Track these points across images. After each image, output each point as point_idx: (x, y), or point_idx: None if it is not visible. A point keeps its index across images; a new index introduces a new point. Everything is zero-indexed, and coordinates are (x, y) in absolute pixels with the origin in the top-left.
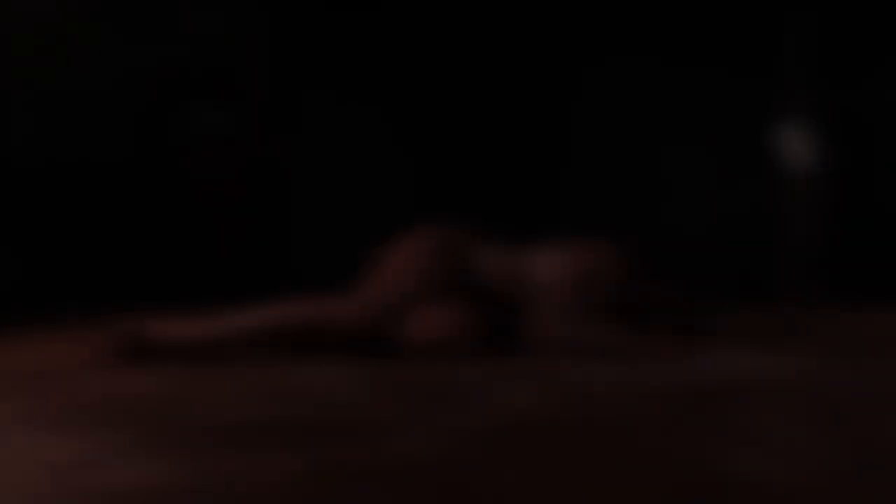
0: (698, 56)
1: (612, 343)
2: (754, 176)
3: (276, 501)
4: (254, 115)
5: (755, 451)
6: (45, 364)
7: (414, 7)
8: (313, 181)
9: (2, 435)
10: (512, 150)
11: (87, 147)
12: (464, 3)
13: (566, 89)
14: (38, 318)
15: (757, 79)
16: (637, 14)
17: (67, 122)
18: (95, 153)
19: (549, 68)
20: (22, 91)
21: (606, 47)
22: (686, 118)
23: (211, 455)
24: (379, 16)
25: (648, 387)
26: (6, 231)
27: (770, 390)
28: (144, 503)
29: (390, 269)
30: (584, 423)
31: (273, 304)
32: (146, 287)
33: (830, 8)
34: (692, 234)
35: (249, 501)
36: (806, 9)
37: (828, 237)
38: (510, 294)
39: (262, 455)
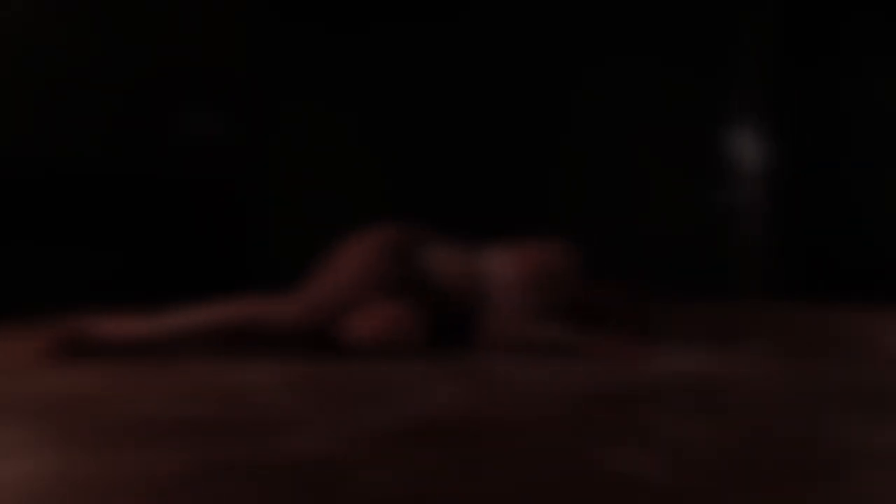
0: (657, 55)
1: (564, 342)
2: (710, 175)
3: (158, 496)
4: (226, 117)
5: (644, 450)
6: None
7: (400, 8)
8: (286, 180)
9: None
10: (478, 152)
11: (51, 145)
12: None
13: (536, 89)
14: None
15: (711, 77)
16: (609, 15)
17: (35, 120)
18: (61, 152)
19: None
20: None
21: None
22: (642, 118)
23: (110, 450)
24: (363, 13)
25: (578, 387)
26: None
27: (697, 390)
28: (27, 492)
29: (336, 268)
30: (494, 423)
31: (215, 303)
32: (102, 286)
33: (786, 7)
34: (652, 233)
35: (136, 495)
36: (762, 8)
37: (781, 236)
38: (462, 293)
39: (158, 452)
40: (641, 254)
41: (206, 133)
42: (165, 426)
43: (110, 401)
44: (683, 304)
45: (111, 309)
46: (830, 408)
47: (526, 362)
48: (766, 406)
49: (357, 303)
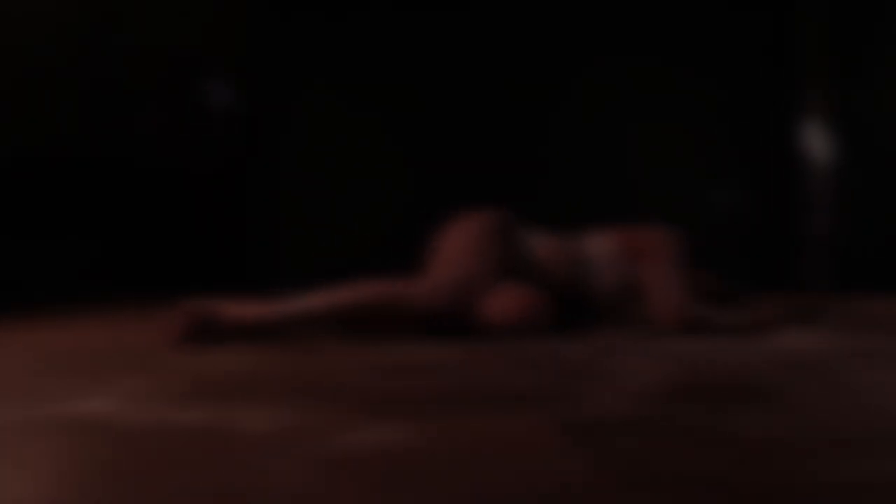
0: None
1: (728, 322)
2: (772, 170)
3: (504, 461)
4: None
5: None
6: (130, 345)
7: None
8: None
9: (223, 409)
10: (496, 145)
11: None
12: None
13: (557, 86)
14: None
15: (775, 77)
16: (634, 14)
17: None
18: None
19: (541, 65)
20: None
21: (600, 47)
22: (706, 113)
23: (425, 420)
24: (364, 11)
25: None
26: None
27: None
28: (392, 463)
29: (451, 251)
30: (743, 385)
31: (339, 287)
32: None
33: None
34: (708, 226)
35: (481, 461)
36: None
37: (841, 229)
38: (565, 275)
39: (489, 418)
40: (703, 246)
41: (200, 119)
42: (461, 397)
43: (339, 378)
44: (754, 295)
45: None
46: None
47: (686, 339)
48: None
49: (485, 285)
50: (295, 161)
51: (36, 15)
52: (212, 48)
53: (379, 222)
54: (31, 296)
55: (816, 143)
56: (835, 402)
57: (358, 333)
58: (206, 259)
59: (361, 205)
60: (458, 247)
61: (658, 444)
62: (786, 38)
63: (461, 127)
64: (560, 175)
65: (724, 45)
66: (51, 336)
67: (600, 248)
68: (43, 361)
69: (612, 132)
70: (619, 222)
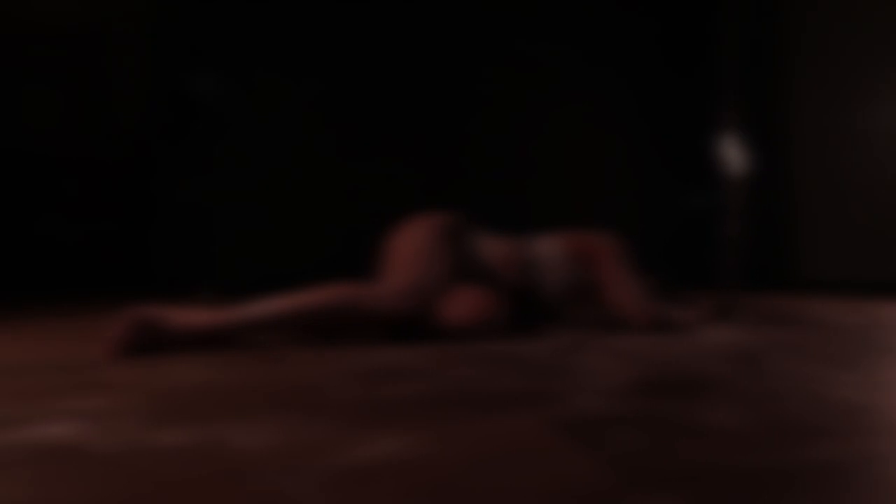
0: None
1: (678, 318)
2: (693, 178)
3: (513, 463)
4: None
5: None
6: (67, 358)
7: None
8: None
9: (205, 427)
10: (423, 152)
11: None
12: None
13: (492, 96)
14: None
15: (696, 93)
16: (568, 33)
17: None
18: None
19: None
20: None
21: (531, 61)
22: (629, 124)
23: (422, 427)
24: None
25: (708, 349)
26: None
27: (747, 354)
28: (404, 474)
29: (406, 254)
30: (694, 377)
31: (297, 292)
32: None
33: (761, 30)
34: (637, 230)
35: (495, 464)
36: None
37: (751, 233)
38: (514, 277)
39: (485, 421)
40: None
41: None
42: (442, 402)
43: (318, 386)
44: (686, 292)
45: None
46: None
47: (634, 336)
48: (797, 363)
49: (442, 288)
50: (210, 154)
51: None
52: (117, 25)
53: (299, 222)
54: None
55: (731, 153)
56: (775, 391)
57: (318, 338)
58: (111, 257)
59: (282, 202)
60: (412, 249)
61: (651, 438)
62: (707, 59)
63: (387, 127)
64: (492, 182)
65: (653, 65)
66: None
67: (549, 251)
68: None
69: (543, 143)
70: (555, 227)
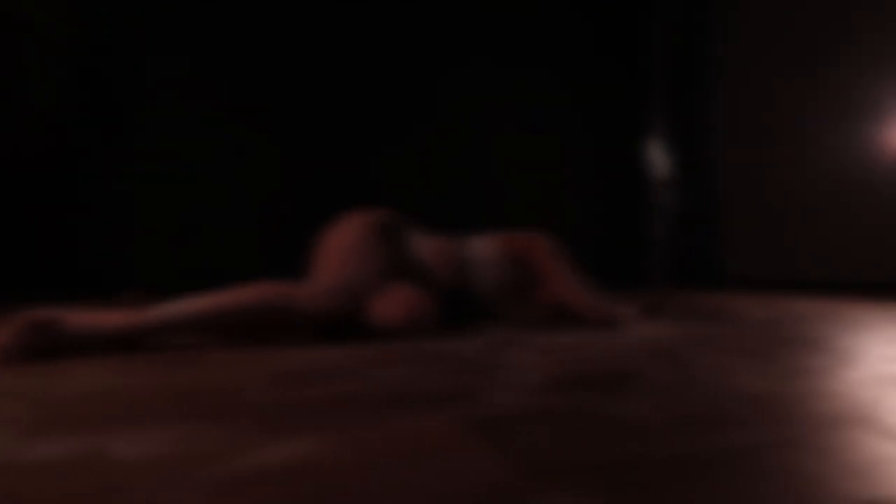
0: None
1: (624, 314)
2: (620, 181)
3: (417, 465)
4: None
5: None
6: None
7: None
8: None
9: (91, 436)
10: (362, 151)
11: None
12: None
13: (430, 98)
14: None
15: (626, 98)
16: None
17: None
18: None
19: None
20: None
21: (458, 57)
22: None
23: (332, 429)
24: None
25: (632, 344)
26: None
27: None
28: (302, 480)
29: (338, 252)
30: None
31: (218, 293)
32: None
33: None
34: (566, 230)
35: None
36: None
37: (677, 234)
38: (448, 276)
39: (397, 422)
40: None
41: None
42: (363, 401)
43: (237, 389)
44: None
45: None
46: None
47: (562, 332)
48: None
49: (373, 286)
50: (136, 150)
51: None
52: (41, 12)
53: (230, 219)
54: None
55: (657, 156)
56: (689, 383)
57: (241, 341)
58: (32, 259)
59: (213, 199)
60: (344, 247)
61: (562, 433)
62: (638, 63)
63: (324, 127)
64: (427, 182)
65: (583, 70)
66: None
67: (483, 250)
68: None
69: (480, 144)
70: (488, 228)
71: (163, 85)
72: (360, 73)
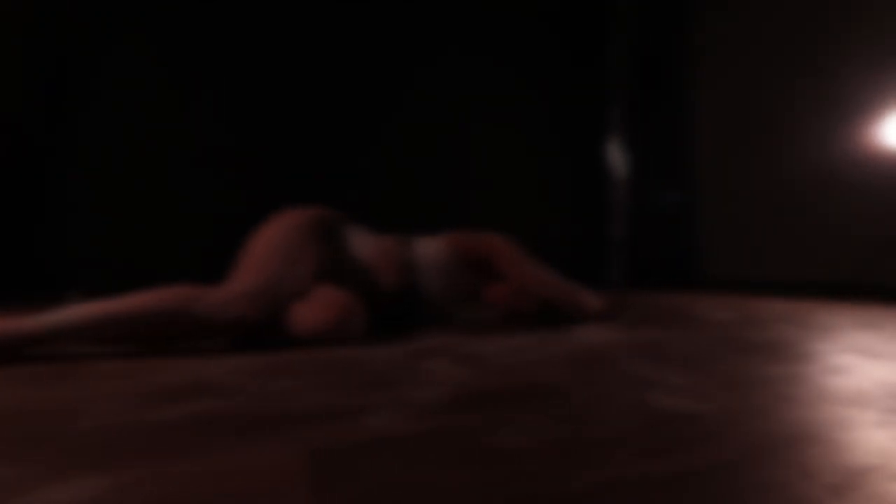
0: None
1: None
2: (582, 182)
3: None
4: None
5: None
6: None
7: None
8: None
9: None
10: (327, 149)
11: None
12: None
13: (395, 93)
14: None
15: (588, 99)
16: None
17: None
18: None
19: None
20: None
21: (437, 48)
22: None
23: (141, 464)
24: None
25: (568, 350)
26: None
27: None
28: None
29: (260, 253)
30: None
31: (124, 297)
32: None
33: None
34: (527, 231)
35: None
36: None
37: (636, 234)
38: (401, 277)
39: (254, 447)
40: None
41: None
42: (218, 425)
43: (85, 409)
44: None
45: None
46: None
47: (498, 338)
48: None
49: (293, 290)
50: (96, 146)
51: None
52: None
53: (178, 218)
54: None
55: (617, 158)
56: (601, 399)
57: (144, 349)
58: None
59: (161, 197)
60: (271, 246)
61: (422, 466)
62: (598, 67)
63: (290, 127)
64: (391, 181)
65: (547, 72)
66: None
67: (432, 251)
68: None
69: (445, 143)
70: (443, 227)
71: (117, 79)
72: (326, 66)
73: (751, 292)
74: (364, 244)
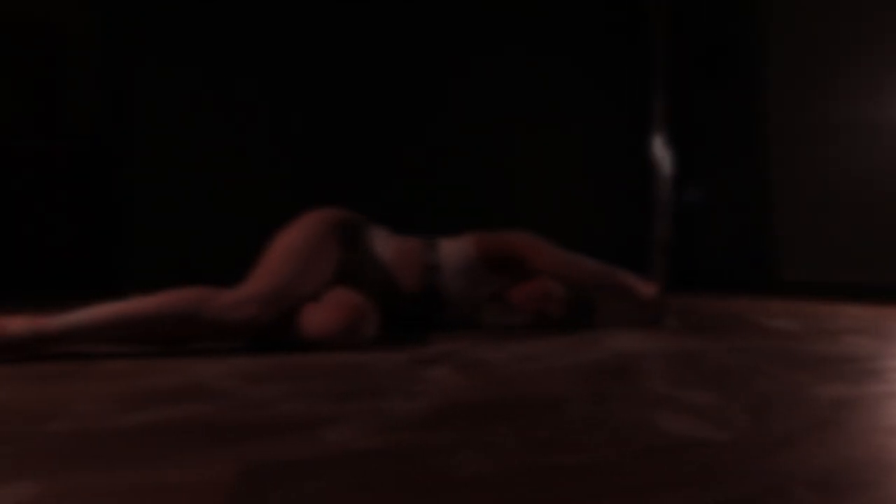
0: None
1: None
2: (626, 179)
3: None
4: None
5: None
6: None
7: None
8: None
9: None
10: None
11: None
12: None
13: (435, 94)
14: None
15: (634, 91)
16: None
17: None
18: None
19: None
20: None
21: (470, 62)
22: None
23: (124, 466)
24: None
25: (589, 360)
26: None
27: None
28: None
29: (278, 254)
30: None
31: (140, 298)
32: None
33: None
34: (569, 229)
35: None
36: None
37: (680, 235)
38: (423, 279)
39: (192, 460)
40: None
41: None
42: (178, 433)
43: (64, 410)
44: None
45: None
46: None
47: (514, 344)
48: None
49: (304, 293)
50: (158, 153)
51: None
52: (71, 21)
53: (251, 220)
54: None
55: (660, 154)
56: (596, 421)
57: (157, 349)
58: (68, 253)
59: (231, 201)
60: (289, 247)
61: (343, 486)
62: (643, 59)
63: (340, 128)
64: (437, 180)
65: (590, 66)
66: None
67: (455, 252)
68: None
69: (482, 143)
70: (480, 227)
71: (178, 93)
72: (374, 63)
73: (827, 298)
74: (385, 246)
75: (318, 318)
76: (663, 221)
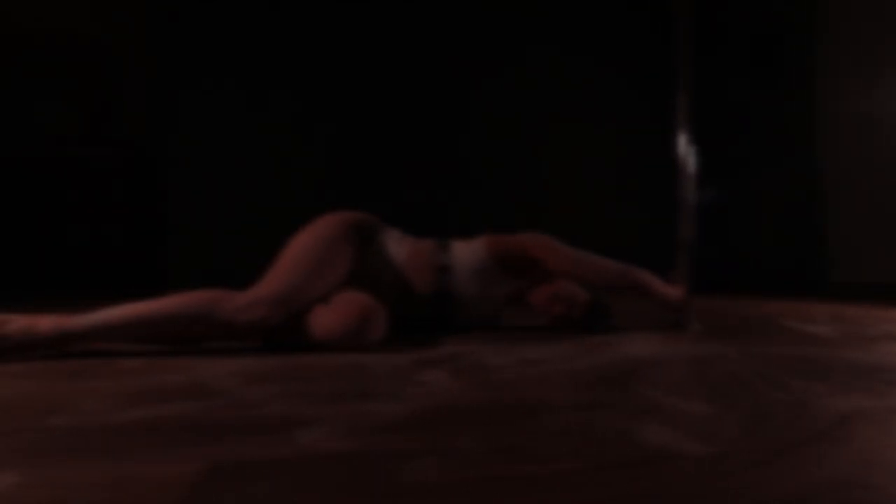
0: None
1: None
2: (651, 178)
3: None
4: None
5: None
6: None
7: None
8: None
9: None
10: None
11: None
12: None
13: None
14: None
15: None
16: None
17: None
18: None
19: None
20: None
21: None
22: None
23: (106, 460)
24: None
25: (594, 365)
26: None
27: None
28: None
29: (292, 257)
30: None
31: (155, 299)
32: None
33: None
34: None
35: None
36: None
37: (704, 236)
38: (436, 281)
39: (165, 457)
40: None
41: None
42: (163, 431)
43: (68, 406)
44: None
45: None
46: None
47: (522, 348)
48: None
49: (313, 295)
50: (199, 161)
51: None
52: (116, 33)
53: (288, 222)
54: None
55: (685, 152)
56: (585, 433)
57: (172, 348)
58: (117, 258)
59: (268, 203)
60: (298, 252)
61: (297, 489)
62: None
63: (372, 134)
64: (466, 182)
65: (622, 66)
66: None
67: (469, 254)
68: None
69: (510, 146)
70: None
71: (218, 104)
72: (411, 63)
73: (880, 301)
74: (399, 248)
75: (325, 319)
76: (687, 221)
